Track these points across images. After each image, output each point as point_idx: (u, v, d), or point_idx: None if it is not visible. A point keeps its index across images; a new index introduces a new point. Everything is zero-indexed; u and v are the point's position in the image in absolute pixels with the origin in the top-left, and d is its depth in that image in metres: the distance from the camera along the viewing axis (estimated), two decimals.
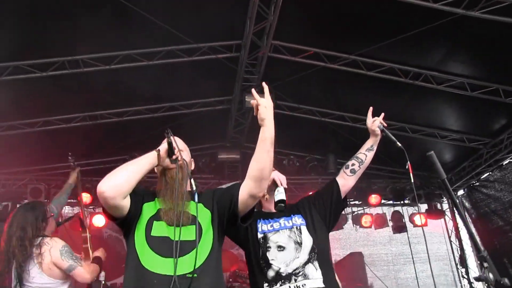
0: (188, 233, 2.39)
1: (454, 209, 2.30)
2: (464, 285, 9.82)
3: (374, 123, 3.25)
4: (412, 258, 9.27)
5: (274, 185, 3.11)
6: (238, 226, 2.94)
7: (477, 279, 1.93)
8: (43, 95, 6.40)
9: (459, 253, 9.88)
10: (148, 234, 2.43)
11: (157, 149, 2.53)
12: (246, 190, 2.49)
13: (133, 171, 2.41)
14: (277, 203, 3.02)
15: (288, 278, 2.89)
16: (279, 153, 8.73)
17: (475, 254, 9.44)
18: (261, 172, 2.46)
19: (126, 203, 2.41)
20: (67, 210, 8.28)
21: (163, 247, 2.37)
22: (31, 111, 6.66)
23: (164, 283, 2.24)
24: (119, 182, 2.35)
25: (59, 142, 6.87)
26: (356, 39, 6.18)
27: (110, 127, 7.27)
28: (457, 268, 10.00)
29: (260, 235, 3.04)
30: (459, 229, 9.97)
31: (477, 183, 9.03)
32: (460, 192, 9.79)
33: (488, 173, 8.69)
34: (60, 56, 5.90)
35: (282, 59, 6.47)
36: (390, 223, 9.65)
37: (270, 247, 2.98)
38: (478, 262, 1.90)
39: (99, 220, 8.09)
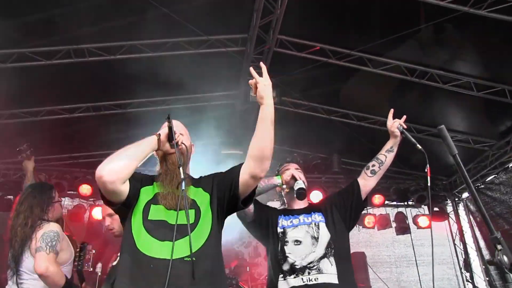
0: (186, 217, 2.34)
1: (466, 185, 2.25)
2: None
3: (394, 124, 3.31)
4: (415, 261, 9.19)
5: (293, 179, 3.32)
6: (260, 222, 3.19)
7: (490, 262, 1.86)
8: (47, 84, 6.38)
9: (464, 257, 9.76)
10: (145, 218, 2.39)
11: (157, 133, 2.50)
12: (247, 170, 2.46)
13: (133, 156, 2.37)
14: (297, 190, 3.24)
15: (302, 270, 2.96)
16: (283, 150, 8.67)
17: (480, 259, 9.34)
18: (262, 151, 2.43)
19: (125, 188, 2.37)
20: (66, 202, 8.26)
21: (160, 230, 2.33)
22: (34, 100, 6.64)
23: (160, 267, 2.19)
24: (119, 167, 2.31)
25: (61, 132, 6.84)
26: (362, 35, 6.14)
27: (114, 118, 7.25)
28: (461, 273, 9.87)
29: (279, 230, 3.18)
30: (464, 232, 9.87)
31: (482, 186, 8.91)
32: (465, 194, 9.72)
33: (493, 176, 8.58)
34: (65, 45, 5.88)
35: (288, 54, 6.42)
36: (394, 224, 9.56)
37: (287, 241, 3.10)
38: (491, 244, 1.81)
39: (98, 213, 8.02)
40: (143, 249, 2.27)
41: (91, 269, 4.46)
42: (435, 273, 9.51)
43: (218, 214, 2.50)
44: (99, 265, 4.28)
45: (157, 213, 2.39)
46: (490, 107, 6.93)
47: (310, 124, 8.05)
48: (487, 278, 9.09)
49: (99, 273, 4.57)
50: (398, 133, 3.27)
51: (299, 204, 3.35)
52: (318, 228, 3.13)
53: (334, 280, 2.92)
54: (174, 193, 2.42)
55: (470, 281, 9.60)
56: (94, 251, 5.15)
